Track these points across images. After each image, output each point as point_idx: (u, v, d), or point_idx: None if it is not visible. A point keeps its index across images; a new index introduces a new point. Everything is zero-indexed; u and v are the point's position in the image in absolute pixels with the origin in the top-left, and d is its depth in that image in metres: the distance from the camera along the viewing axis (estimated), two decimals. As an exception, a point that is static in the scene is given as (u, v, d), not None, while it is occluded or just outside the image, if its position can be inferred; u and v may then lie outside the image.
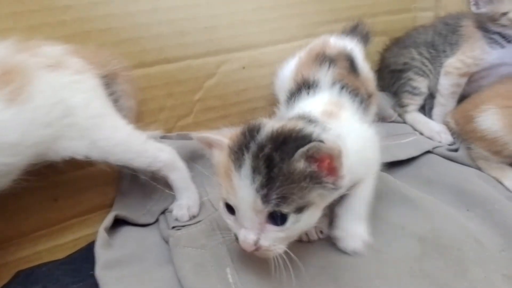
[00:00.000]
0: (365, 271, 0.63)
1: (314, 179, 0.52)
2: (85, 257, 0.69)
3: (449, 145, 0.92)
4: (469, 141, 0.86)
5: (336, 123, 0.61)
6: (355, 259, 0.65)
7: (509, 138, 0.77)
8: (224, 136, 0.57)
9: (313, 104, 0.66)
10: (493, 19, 0.86)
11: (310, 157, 0.51)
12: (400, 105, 1.02)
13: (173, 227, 0.71)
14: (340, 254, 0.66)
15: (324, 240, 0.68)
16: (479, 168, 0.84)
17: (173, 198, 0.77)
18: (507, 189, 0.79)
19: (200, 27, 0.86)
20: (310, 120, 0.59)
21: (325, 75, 0.70)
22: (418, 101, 1.01)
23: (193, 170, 0.82)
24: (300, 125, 0.55)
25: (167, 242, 0.70)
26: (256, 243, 0.53)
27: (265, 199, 0.50)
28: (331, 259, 0.65)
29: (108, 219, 0.73)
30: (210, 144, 0.59)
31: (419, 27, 1.07)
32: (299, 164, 0.51)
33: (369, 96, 0.73)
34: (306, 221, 0.54)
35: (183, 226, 0.72)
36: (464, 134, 0.88)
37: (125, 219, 0.75)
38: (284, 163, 0.50)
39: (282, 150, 0.51)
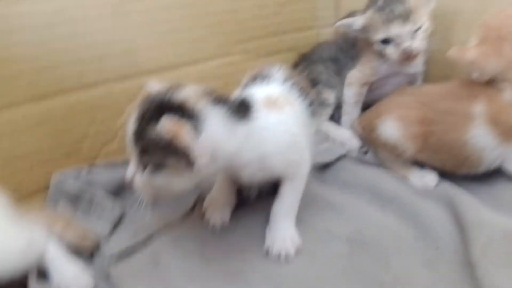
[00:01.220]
0: (304, 276, 0.68)
1: (169, 147, 0.56)
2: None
3: (360, 148, 1.02)
4: (374, 146, 0.96)
5: (272, 114, 0.66)
6: (295, 267, 0.70)
7: (407, 144, 0.88)
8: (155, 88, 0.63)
9: (261, 90, 0.70)
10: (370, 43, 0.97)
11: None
12: (312, 116, 1.10)
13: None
14: (280, 265, 0.70)
15: (264, 252, 0.73)
16: (387, 168, 0.95)
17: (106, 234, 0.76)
18: (412, 185, 0.90)
19: (119, 51, 0.85)
20: (234, 105, 0.63)
21: (277, 72, 0.75)
22: (328, 111, 1.10)
23: (123, 201, 0.81)
24: (196, 103, 0.59)
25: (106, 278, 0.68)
26: (131, 179, 0.62)
27: (133, 144, 0.60)
28: (271, 270, 0.70)
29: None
30: None
31: (323, 44, 1.17)
32: (153, 130, 0.56)
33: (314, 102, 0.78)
34: (164, 180, 0.60)
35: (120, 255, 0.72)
36: (370, 140, 0.98)
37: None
38: (145, 124, 0.57)
39: (155, 113, 0.57)
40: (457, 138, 0.83)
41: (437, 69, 1.03)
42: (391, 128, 0.90)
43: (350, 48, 1.08)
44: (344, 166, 0.97)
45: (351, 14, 0.99)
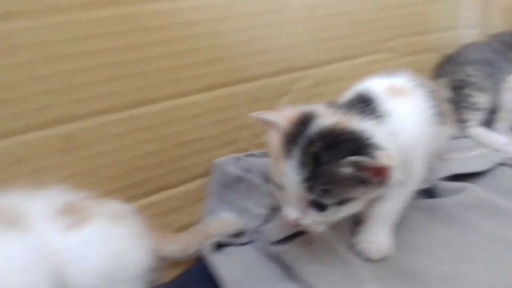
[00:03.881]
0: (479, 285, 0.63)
1: (360, 180, 0.54)
2: (196, 279, 0.68)
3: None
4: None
5: (400, 104, 0.63)
6: (470, 274, 0.64)
7: None
8: (282, 118, 0.60)
9: (382, 81, 0.68)
10: None
11: (359, 165, 0.53)
12: (460, 121, 1.04)
13: (277, 241, 0.70)
14: (457, 269, 0.65)
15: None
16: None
17: (263, 217, 0.77)
18: None
19: (278, 46, 0.87)
20: (366, 106, 0.61)
21: (403, 71, 0.73)
22: (479, 115, 1.03)
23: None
24: (352, 124, 0.57)
25: (274, 259, 0.69)
26: (296, 221, 0.58)
27: (308, 190, 0.55)
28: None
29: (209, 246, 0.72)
30: (268, 125, 0.62)
31: (471, 45, 1.10)
32: (346, 168, 0.53)
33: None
34: (346, 211, 0.58)
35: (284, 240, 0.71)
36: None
37: (219, 243, 0.74)
38: (330, 164, 0.53)
39: (331, 152, 0.54)
40: None
41: None
42: None
43: (507, 51, 1.00)
44: (504, 174, 0.89)
45: None
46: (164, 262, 0.69)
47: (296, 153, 0.55)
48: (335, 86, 0.95)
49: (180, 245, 0.71)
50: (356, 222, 0.72)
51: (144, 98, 0.74)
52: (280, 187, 0.59)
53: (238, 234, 0.76)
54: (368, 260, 0.67)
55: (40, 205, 0.56)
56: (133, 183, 0.76)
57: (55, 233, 0.54)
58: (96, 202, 0.61)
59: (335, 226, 0.67)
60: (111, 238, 0.58)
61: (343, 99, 0.68)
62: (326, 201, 0.55)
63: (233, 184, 0.80)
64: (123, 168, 0.74)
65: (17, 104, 0.64)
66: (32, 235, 0.53)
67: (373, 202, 0.66)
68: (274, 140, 0.60)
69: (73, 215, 0.56)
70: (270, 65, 0.87)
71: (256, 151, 0.87)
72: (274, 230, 0.73)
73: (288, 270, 0.66)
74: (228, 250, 0.73)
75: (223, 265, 0.67)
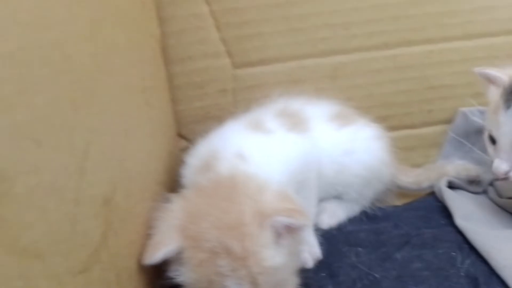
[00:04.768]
0: None
1: None
2: (424, 207, 0.75)
3: None
4: None
5: None
6: None
7: None
8: (505, 74, 0.61)
9: None
10: None
11: None
12: None
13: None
14: None
15: None
16: None
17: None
18: None
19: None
20: None
21: None
22: None
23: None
24: None
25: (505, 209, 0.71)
26: (506, 173, 0.59)
27: None
28: None
29: (444, 181, 0.76)
30: (489, 80, 0.64)
31: None
32: None
33: None
34: None
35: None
36: None
37: (452, 183, 0.78)
38: None
39: None
40: None
41: None
42: None
43: None
44: None
45: None
46: (396, 190, 0.78)
47: None
48: None
49: (415, 178, 0.78)
50: None
51: (405, 40, 0.81)
52: (494, 140, 0.61)
53: (472, 182, 0.78)
54: None
55: (318, 111, 0.71)
56: (379, 116, 0.84)
57: (329, 131, 0.70)
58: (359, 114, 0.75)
59: None
60: (374, 143, 0.70)
61: None
62: None
63: (474, 135, 0.81)
64: (373, 101, 0.84)
65: (303, 33, 0.79)
66: (311, 133, 0.67)
67: None
68: (494, 94, 0.62)
69: (342, 119, 0.71)
70: None
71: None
72: (508, 186, 0.73)
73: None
74: (460, 191, 0.77)
75: (455, 199, 0.71)
